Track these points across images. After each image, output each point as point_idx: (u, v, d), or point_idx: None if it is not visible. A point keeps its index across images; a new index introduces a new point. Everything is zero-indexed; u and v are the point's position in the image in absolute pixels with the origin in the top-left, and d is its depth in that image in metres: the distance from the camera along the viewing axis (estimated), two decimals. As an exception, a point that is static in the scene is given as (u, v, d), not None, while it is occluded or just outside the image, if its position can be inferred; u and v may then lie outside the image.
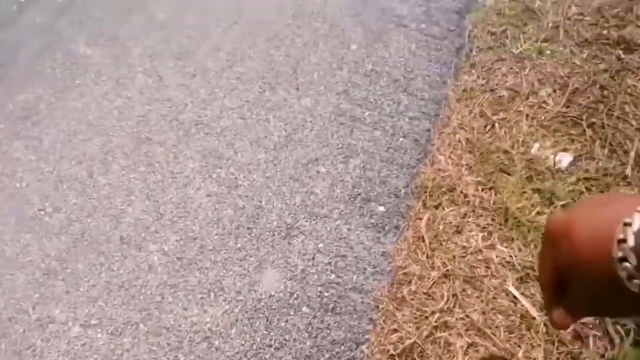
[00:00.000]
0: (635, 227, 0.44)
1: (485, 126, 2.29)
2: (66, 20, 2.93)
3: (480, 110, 2.33)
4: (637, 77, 2.34)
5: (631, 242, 0.43)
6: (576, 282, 0.52)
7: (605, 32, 2.52)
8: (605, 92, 2.31)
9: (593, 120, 2.23)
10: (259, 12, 2.81)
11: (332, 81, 2.48)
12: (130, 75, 2.63)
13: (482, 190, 2.09)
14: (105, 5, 2.98)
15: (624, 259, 0.44)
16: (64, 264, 2.02)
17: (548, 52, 2.49)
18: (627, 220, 0.44)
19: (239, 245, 2.02)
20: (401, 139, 2.28)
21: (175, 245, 2.04)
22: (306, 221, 2.07)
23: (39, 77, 2.68)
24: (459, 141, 2.25)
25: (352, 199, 2.11)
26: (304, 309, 1.85)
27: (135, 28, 2.83)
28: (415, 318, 1.80)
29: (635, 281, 0.43)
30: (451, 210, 2.04)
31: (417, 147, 2.25)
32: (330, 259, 1.96)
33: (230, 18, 2.80)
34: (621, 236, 0.44)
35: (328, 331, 1.80)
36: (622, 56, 2.41)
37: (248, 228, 2.07)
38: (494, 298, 1.82)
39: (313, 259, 1.97)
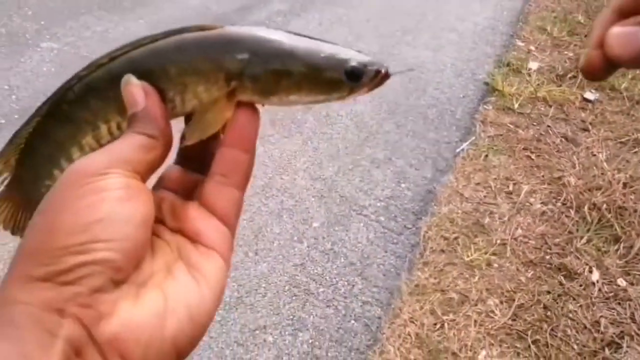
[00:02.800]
0: None
1: (435, 324, 2.23)
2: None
3: (431, 308, 2.28)
4: (578, 304, 2.37)
5: None
6: None
7: (548, 257, 2.58)
8: (549, 313, 2.32)
9: (537, 337, 2.21)
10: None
11: (290, 252, 2.41)
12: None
13: (429, 389, 1.98)
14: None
15: None
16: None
17: (496, 265, 2.52)
18: None
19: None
20: (352, 321, 2.17)
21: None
22: (244, 391, 1.87)
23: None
24: (409, 334, 2.16)
25: (295, 376, 1.94)
26: None
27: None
28: None
29: None
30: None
31: (367, 332, 2.14)
32: None
33: (202, 177, 2.77)
34: None
35: None
36: (564, 282, 2.46)
37: (181, 387, 1.84)
38: None
39: None
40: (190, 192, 0.49)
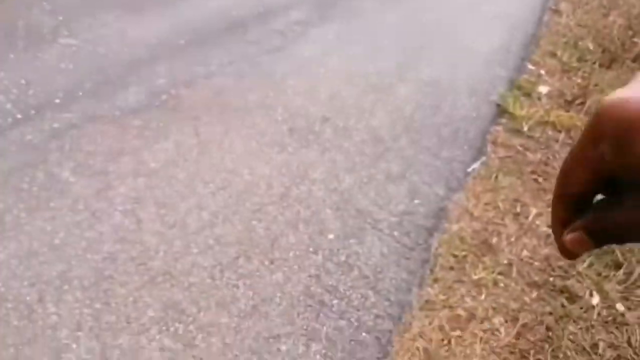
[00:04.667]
0: None
1: (443, 340, 2.24)
2: (56, 144, 2.81)
3: (440, 324, 2.29)
4: (579, 326, 2.38)
5: None
6: None
7: (551, 279, 2.59)
8: (551, 334, 2.33)
9: (540, 357, 2.23)
10: (248, 184, 2.78)
11: (306, 263, 2.40)
12: (109, 211, 2.47)
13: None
14: (99, 141, 2.89)
15: None
16: (-15, 391, 1.70)
17: (502, 284, 2.53)
18: None
19: (183, 410, 1.77)
20: (364, 334, 2.17)
21: (115, 396, 1.77)
22: (257, 399, 1.86)
23: (13, 190, 2.49)
24: (417, 349, 2.17)
25: (307, 386, 1.93)
26: None
27: (124, 169, 2.73)
28: None
29: None
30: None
31: (378, 345, 2.14)
32: None
33: (219, 182, 2.76)
34: None
35: None
36: (566, 304, 2.47)
37: (196, 393, 1.83)
38: None
39: None
40: None
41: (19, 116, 2.96)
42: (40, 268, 2.16)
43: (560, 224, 0.44)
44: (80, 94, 3.24)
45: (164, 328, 2.02)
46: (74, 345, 1.90)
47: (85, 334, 1.95)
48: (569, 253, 0.43)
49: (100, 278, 2.17)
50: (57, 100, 3.16)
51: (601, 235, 0.40)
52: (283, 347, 2.05)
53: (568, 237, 0.42)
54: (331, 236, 2.56)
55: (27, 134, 2.85)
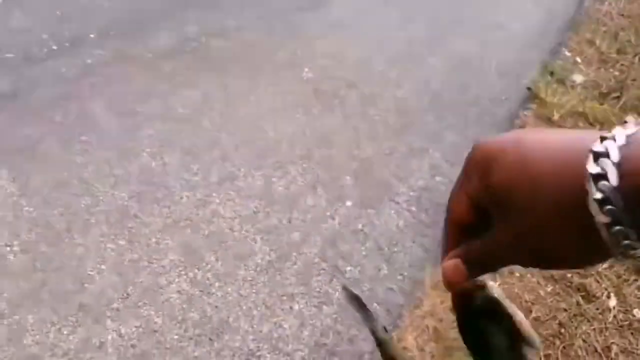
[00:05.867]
0: (619, 141, 0.34)
1: (454, 321, 2.28)
2: (90, 80, 2.89)
3: (451, 305, 2.35)
4: (592, 327, 2.40)
5: (615, 157, 0.34)
6: (514, 215, 0.39)
7: (569, 275, 2.62)
8: (563, 331, 2.37)
9: (550, 352, 2.27)
10: (271, 141, 2.87)
11: (323, 226, 2.49)
12: (136, 151, 2.58)
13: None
14: (130, 81, 2.97)
15: (599, 177, 0.34)
16: (14, 309, 1.83)
17: (518, 274, 2.56)
18: (606, 134, 0.35)
19: (196, 353, 1.89)
20: (375, 304, 2.27)
21: (133, 331, 1.89)
22: (268, 353, 1.97)
23: (47, 121, 2.59)
24: (427, 327, 2.24)
25: (317, 347, 2.04)
26: None
27: (154, 111, 2.82)
28: None
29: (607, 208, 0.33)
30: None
31: (388, 317, 2.24)
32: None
33: (243, 136, 2.85)
34: (598, 149, 0.34)
35: None
36: (581, 302, 2.50)
37: (210, 339, 1.95)
38: None
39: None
40: None
41: (54, 47, 3.04)
42: (69, 198, 2.28)
43: (445, 250, 0.48)
44: (114, 32, 3.31)
45: (182, 272, 2.13)
46: (98, 277, 2.02)
47: (108, 267, 2.06)
48: (448, 282, 0.47)
49: (126, 216, 2.28)
50: (92, 36, 3.24)
51: (474, 262, 0.44)
52: (296, 306, 2.15)
53: (446, 263, 0.46)
54: (349, 203, 2.65)
55: (62, 66, 2.93)
